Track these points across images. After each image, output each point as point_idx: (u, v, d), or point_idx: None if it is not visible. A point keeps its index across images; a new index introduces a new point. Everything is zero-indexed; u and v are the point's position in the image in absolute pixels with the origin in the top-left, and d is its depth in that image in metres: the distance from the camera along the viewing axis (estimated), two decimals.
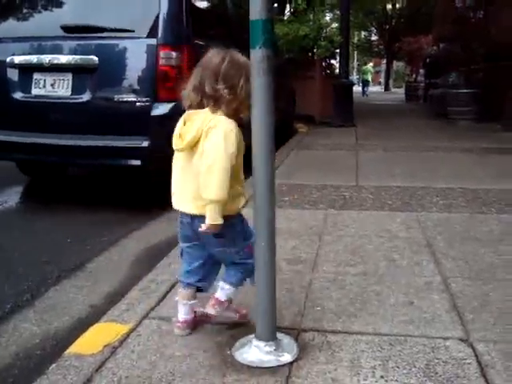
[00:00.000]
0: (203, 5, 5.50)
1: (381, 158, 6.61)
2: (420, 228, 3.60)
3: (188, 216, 1.99)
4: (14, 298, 2.78)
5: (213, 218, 1.86)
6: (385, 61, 42.06)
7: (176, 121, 4.32)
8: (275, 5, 16.77)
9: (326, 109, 11.23)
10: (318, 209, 4.08)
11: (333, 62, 13.02)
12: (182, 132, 1.95)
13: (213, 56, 1.95)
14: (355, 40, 41.24)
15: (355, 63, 50.35)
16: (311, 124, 10.95)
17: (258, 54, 1.70)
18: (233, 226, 2.01)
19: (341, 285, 2.62)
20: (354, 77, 44.65)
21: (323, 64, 12.56)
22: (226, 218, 1.90)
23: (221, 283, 2.15)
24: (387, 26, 36.07)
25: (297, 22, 11.52)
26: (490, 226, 3.63)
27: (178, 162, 2.02)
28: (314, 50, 12.22)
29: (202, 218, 1.90)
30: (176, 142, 1.97)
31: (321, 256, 3.02)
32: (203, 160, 1.86)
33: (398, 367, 1.90)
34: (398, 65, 45.42)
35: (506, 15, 10.99)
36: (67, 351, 2.02)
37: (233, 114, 1.94)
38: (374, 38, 41.28)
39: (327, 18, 16.69)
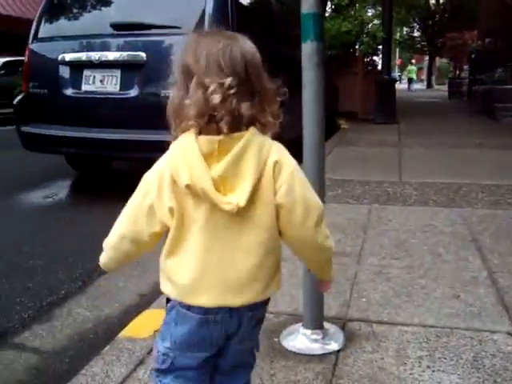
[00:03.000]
0: (248, 1, 5.55)
1: (424, 154, 6.54)
2: (465, 224, 3.56)
3: (227, 311, 1.19)
4: (68, 284, 2.89)
5: (331, 273, 1.36)
6: (427, 57, 41.42)
7: None
8: None
9: (368, 105, 11.16)
10: (362, 204, 4.08)
11: (375, 58, 12.92)
12: (220, 177, 1.11)
13: (245, 42, 1.17)
14: (397, 36, 40.73)
15: (397, 60, 49.85)
16: (353, 120, 10.90)
17: (309, 48, 1.73)
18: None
19: (386, 277, 2.63)
20: (396, 73, 44.43)
21: (365, 60, 12.47)
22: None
23: None
24: (430, 22, 35.45)
25: (339, 18, 11.46)
26: None
27: (203, 229, 1.15)
28: (356, 47, 12.14)
29: (255, 306, 1.22)
30: (212, 197, 1.11)
31: (366, 249, 3.03)
32: (304, 214, 1.17)
33: (444, 358, 1.91)
34: (441, 61, 44.64)
35: None
36: (120, 335, 2.11)
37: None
38: (416, 34, 40.64)
39: (369, 14, 16.54)
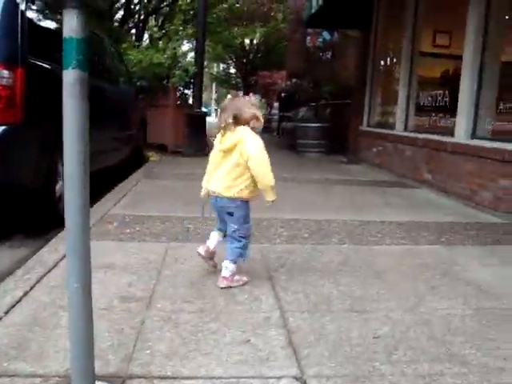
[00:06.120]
0: (44, 24, 5.17)
1: None
2: (262, 260, 3.57)
3: (215, 196, 3.01)
4: None
5: (272, 197, 3.00)
6: (241, 93, 43.26)
7: (7, 145, 3.97)
8: (133, 31, 16.51)
9: (179, 138, 11.14)
10: (160, 242, 3.88)
11: (187, 91, 13.03)
12: (223, 139, 2.96)
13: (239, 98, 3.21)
14: (214, 71, 42.07)
15: (213, 94, 51.47)
16: (164, 153, 10.81)
17: (70, 76, 1.52)
18: (240, 208, 2.99)
19: (175, 323, 2.46)
20: (213, 107, 45.86)
21: (177, 93, 12.50)
22: (236, 199, 2.95)
23: (224, 263, 3.00)
24: (244, 60, 37.17)
25: (153, 49, 11.39)
26: (329, 257, 3.70)
27: (216, 158, 3.06)
28: (169, 79, 12.14)
29: (224, 198, 2.97)
30: (219, 146, 3.02)
31: (157, 292, 2.85)
32: (254, 161, 2.90)
33: None
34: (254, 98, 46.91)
35: (349, 56, 11.76)
36: None
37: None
38: (232, 70, 42.29)
39: (185, 48, 16.76)
